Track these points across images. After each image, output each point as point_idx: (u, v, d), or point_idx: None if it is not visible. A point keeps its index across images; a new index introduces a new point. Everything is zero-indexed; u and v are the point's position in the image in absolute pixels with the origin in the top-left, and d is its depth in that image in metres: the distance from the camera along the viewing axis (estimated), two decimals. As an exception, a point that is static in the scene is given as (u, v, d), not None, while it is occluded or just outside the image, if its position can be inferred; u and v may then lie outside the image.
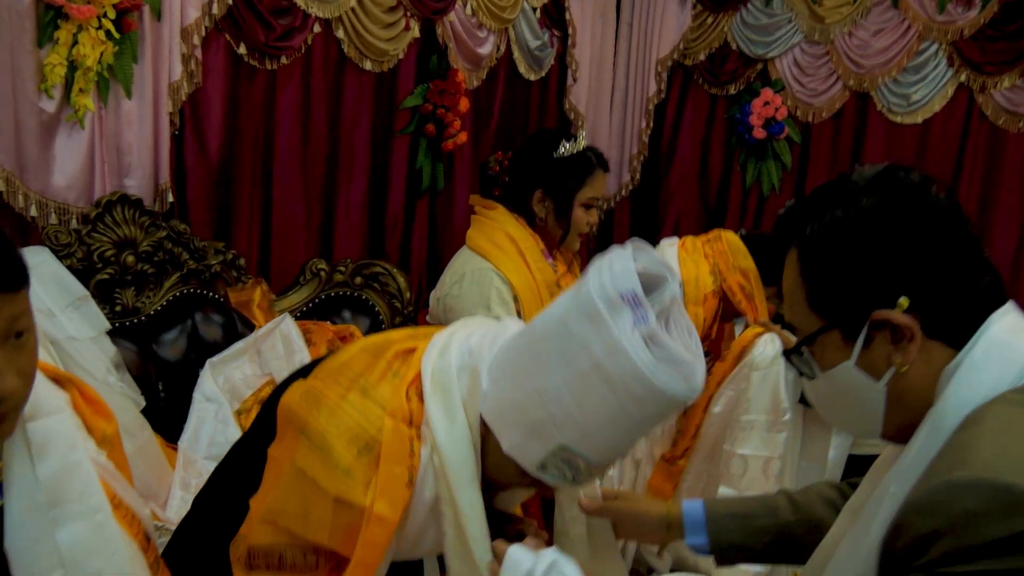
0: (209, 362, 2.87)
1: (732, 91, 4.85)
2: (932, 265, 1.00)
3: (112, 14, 2.63)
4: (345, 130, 3.62)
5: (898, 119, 4.54)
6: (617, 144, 4.95)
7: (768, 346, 2.70)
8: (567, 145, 2.31)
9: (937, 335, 1.01)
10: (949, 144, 4.48)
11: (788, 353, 1.14)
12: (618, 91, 4.92)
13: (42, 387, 1.11)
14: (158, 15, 2.80)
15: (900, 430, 1.06)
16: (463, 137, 4.02)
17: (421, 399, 1.25)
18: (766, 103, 4.68)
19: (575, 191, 2.31)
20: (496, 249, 2.28)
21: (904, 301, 1.00)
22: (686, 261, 2.83)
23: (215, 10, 2.95)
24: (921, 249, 1.00)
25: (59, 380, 1.18)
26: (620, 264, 1.13)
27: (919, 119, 4.50)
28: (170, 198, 2.96)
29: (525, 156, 2.42)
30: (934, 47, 4.39)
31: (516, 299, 2.19)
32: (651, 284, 1.16)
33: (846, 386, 1.07)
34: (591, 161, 2.33)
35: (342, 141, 3.63)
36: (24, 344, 1.02)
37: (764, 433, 2.63)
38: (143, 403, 2.64)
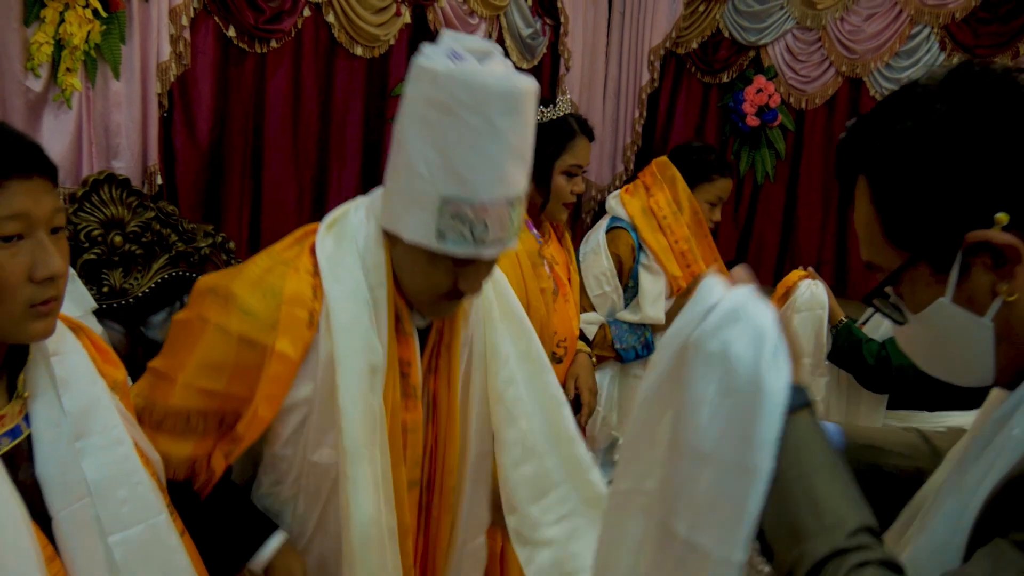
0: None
1: (725, 79, 4.85)
2: None
3: (99, -8, 2.62)
4: (336, 115, 3.61)
5: (891, 104, 4.52)
6: (611, 134, 4.94)
7: (811, 288, 2.71)
8: (545, 111, 2.26)
9: None
10: (943, 128, 4.46)
11: (870, 297, 0.97)
12: (611, 80, 4.91)
13: (60, 328, 1.17)
14: (145, -5, 2.80)
15: (1018, 371, 0.90)
16: (455, 124, 4.01)
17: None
18: (759, 90, 4.67)
19: (554, 158, 2.25)
20: None
21: (1003, 216, 0.84)
22: (630, 202, 2.91)
23: (203, -9, 2.94)
24: (1015, 152, 0.83)
25: (71, 327, 1.23)
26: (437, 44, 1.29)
27: (912, 104, 4.48)
28: (159, 180, 2.95)
29: None
30: (926, 31, 4.38)
31: None
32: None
33: (945, 328, 0.91)
34: (572, 127, 2.27)
35: (333, 126, 3.61)
36: (60, 240, 1.10)
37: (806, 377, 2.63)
38: (130, 384, 2.62)
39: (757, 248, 4.95)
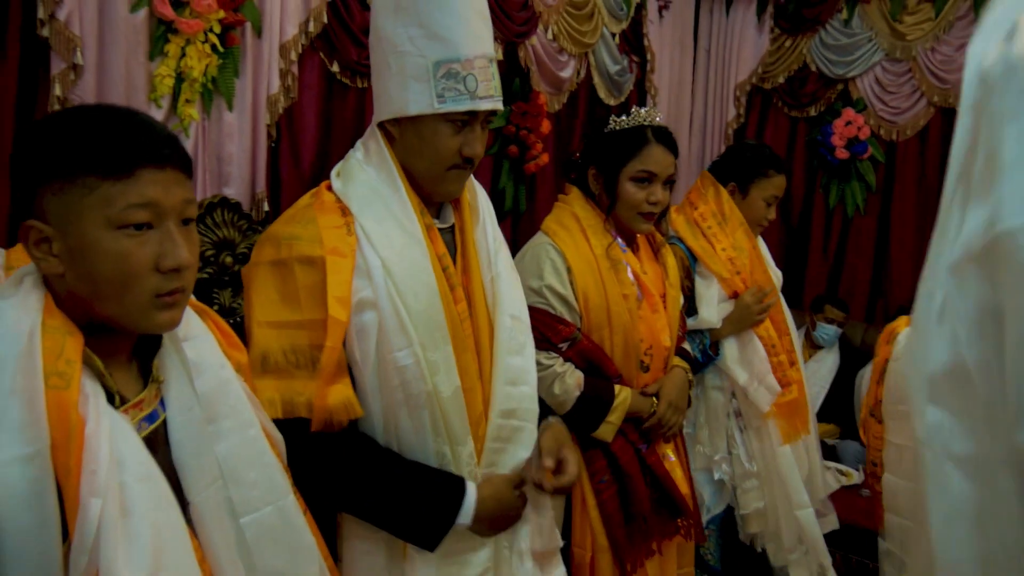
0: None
1: (812, 112, 4.84)
2: None
3: (217, 28, 2.80)
4: (430, 148, 3.73)
5: (987, 134, 4.44)
6: (696, 168, 4.97)
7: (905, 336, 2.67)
8: (618, 119, 2.29)
9: None
10: (1042, 157, 4.35)
11: None
12: (697, 116, 4.96)
13: (188, 312, 1.18)
14: (259, 32, 2.97)
15: None
16: (545, 159, 4.10)
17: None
18: (848, 123, 4.65)
19: (622, 164, 2.24)
20: (559, 227, 2.28)
21: None
22: (676, 218, 2.89)
23: (311, 28, 3.11)
24: None
25: (197, 310, 1.25)
26: None
27: (1009, 133, 4.39)
28: (266, 207, 3.10)
29: (586, 136, 2.46)
30: (1022, 59, 4.31)
31: (569, 270, 2.16)
32: None
33: None
34: (645, 135, 2.25)
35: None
36: (191, 232, 1.10)
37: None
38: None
39: (849, 282, 4.87)
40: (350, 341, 1.48)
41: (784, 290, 2.98)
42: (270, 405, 1.41)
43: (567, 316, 2.16)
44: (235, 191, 2.99)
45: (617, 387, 2.19)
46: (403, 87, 1.49)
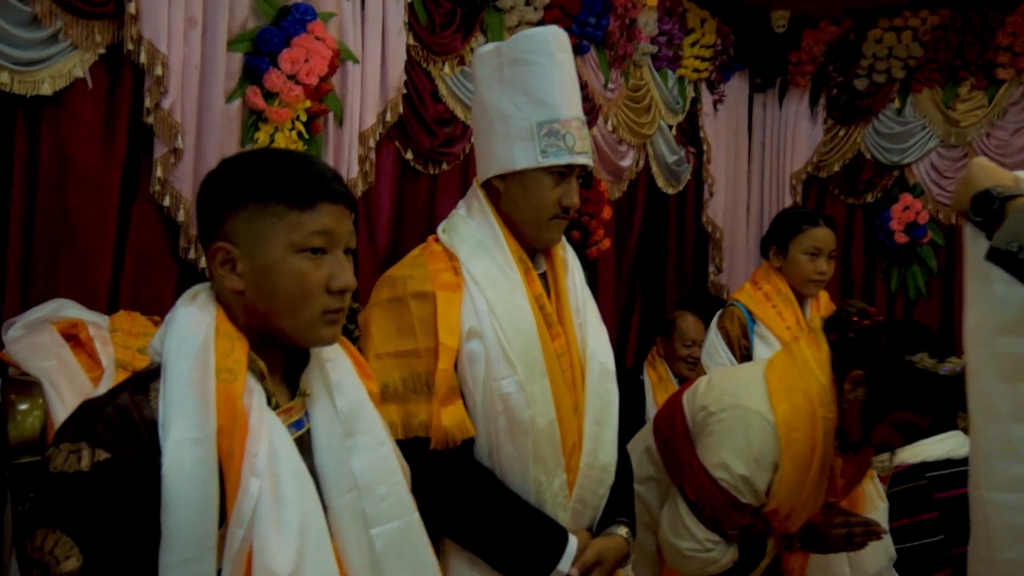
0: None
1: (869, 199, 4.92)
2: None
3: (304, 117, 3.01)
4: (497, 233, 3.88)
5: (1047, 215, 4.46)
6: (755, 257, 5.03)
7: None
8: (928, 360, 1.84)
9: None
10: (1106, 236, 4.34)
11: None
12: (754, 204, 5.07)
13: None
14: (340, 121, 3.18)
15: None
16: (607, 243, 4.22)
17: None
18: (906, 208, 4.71)
19: (895, 407, 1.89)
20: (789, 404, 1.97)
21: None
22: (741, 292, 2.96)
23: (388, 118, 3.31)
24: None
25: (340, 341, 1.37)
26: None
27: (1070, 214, 4.40)
28: (344, 285, 3.24)
29: (891, 356, 1.93)
30: (1076, 141, 4.38)
31: (777, 467, 1.96)
32: None
33: None
34: (939, 392, 1.84)
35: (494, 243, 3.88)
36: (350, 260, 1.24)
37: None
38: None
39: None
40: (461, 367, 1.62)
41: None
42: (390, 428, 1.51)
43: (751, 500, 1.94)
44: (315, 269, 3.15)
45: (770, 542, 2.08)
46: (509, 145, 1.69)
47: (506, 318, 1.64)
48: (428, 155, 3.52)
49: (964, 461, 2.87)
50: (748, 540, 2.04)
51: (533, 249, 1.78)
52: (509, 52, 1.71)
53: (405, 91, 3.35)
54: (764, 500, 1.94)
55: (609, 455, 1.75)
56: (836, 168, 4.98)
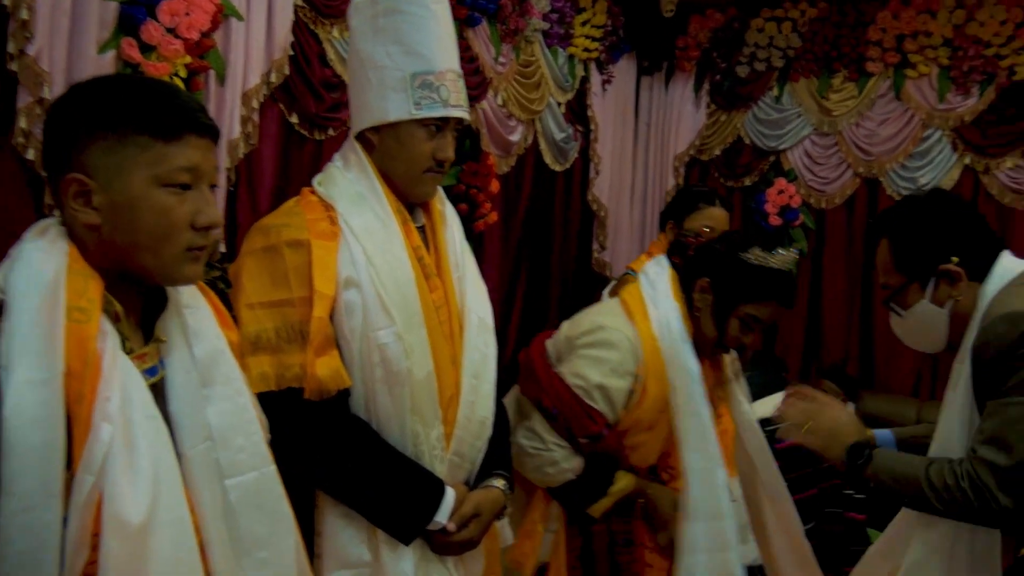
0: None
1: (747, 183, 5.11)
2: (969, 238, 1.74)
3: (183, 73, 2.89)
4: (384, 203, 3.84)
5: (908, 203, 4.74)
6: (638, 236, 5.16)
7: None
8: (761, 255, 2.05)
9: (976, 277, 1.71)
10: (959, 224, 4.65)
11: (886, 302, 1.81)
12: (638, 184, 5.18)
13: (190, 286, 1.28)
14: (222, 79, 3.07)
15: (957, 340, 1.74)
16: (494, 217, 4.24)
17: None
18: (780, 191, 4.91)
19: (740, 301, 2.05)
20: (643, 317, 2.13)
21: (955, 259, 1.71)
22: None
23: (273, 79, 3.22)
24: (956, 229, 1.75)
25: (199, 287, 1.32)
26: None
27: (928, 202, 4.69)
28: (222, 247, 3.14)
29: (715, 244, 2.22)
30: (937, 133, 4.64)
31: (637, 378, 2.08)
32: None
33: (923, 316, 1.76)
34: (776, 287, 2.05)
35: (381, 213, 3.83)
36: (215, 196, 1.20)
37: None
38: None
39: (784, 345, 5.06)
40: (338, 316, 1.60)
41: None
42: (262, 379, 1.54)
43: (604, 409, 2.04)
44: (192, 231, 3.04)
45: (619, 474, 2.13)
46: (383, 97, 1.67)
47: (384, 268, 1.63)
48: (314, 119, 3.45)
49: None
50: (597, 463, 2.08)
51: (411, 203, 1.78)
52: (384, 1, 1.69)
53: (292, 52, 3.27)
54: (619, 416, 2.05)
55: (487, 409, 1.77)
56: (717, 152, 5.15)
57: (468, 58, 4.01)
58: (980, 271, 1.71)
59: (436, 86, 1.66)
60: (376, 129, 1.70)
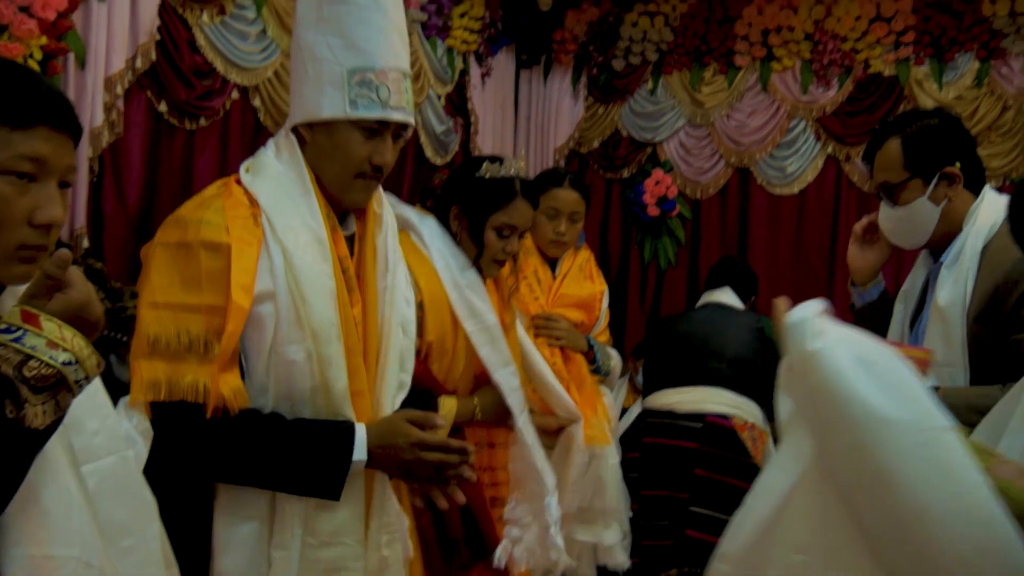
0: (122, 401, 2.82)
1: (626, 174, 5.21)
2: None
3: (39, 55, 2.73)
4: (261, 195, 3.73)
5: (777, 191, 4.93)
6: (521, 227, 5.19)
7: None
8: (491, 167, 2.27)
9: (968, 187, 1.97)
10: (824, 210, 4.86)
11: (885, 195, 2.05)
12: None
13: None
14: (82, 64, 2.92)
15: (939, 240, 1.99)
16: (375, 210, 4.17)
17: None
18: (657, 182, 5.03)
19: (489, 213, 2.25)
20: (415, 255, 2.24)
21: (957, 164, 1.96)
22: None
23: (139, 64, 3.08)
24: (959, 140, 2.01)
25: None
26: None
27: (795, 189, 4.89)
28: (85, 243, 2.98)
29: (452, 174, 2.52)
30: (802, 123, 4.85)
31: (421, 305, 2.13)
32: None
33: (917, 211, 1.98)
34: (513, 188, 2.26)
35: (258, 205, 3.73)
36: (64, 196, 1.12)
37: None
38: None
39: (665, 331, 5.18)
40: (246, 330, 1.49)
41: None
42: (152, 386, 1.43)
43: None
44: (53, 224, 2.87)
45: (442, 398, 2.17)
46: (318, 92, 1.55)
47: (304, 277, 1.51)
48: (184, 108, 3.32)
49: (681, 416, 3.14)
50: (417, 397, 2.03)
51: (343, 209, 1.66)
52: None
53: (159, 37, 3.14)
54: (418, 345, 2.05)
55: None
56: (596, 144, 5.22)
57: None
58: (973, 183, 1.97)
59: (375, 85, 1.54)
60: (310, 126, 1.59)
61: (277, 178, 1.57)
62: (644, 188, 5.06)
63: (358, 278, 1.65)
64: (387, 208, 1.75)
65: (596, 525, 2.85)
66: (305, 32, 1.60)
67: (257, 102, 3.62)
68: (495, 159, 2.31)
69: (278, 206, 1.54)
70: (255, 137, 3.69)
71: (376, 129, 1.57)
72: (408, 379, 1.75)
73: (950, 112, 2.16)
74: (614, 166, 5.22)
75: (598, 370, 2.93)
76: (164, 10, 3.17)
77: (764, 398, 3.06)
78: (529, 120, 5.22)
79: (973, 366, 1.89)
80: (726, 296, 3.53)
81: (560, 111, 5.17)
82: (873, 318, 2.17)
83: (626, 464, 3.05)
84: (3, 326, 0.99)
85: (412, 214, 2.31)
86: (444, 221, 2.31)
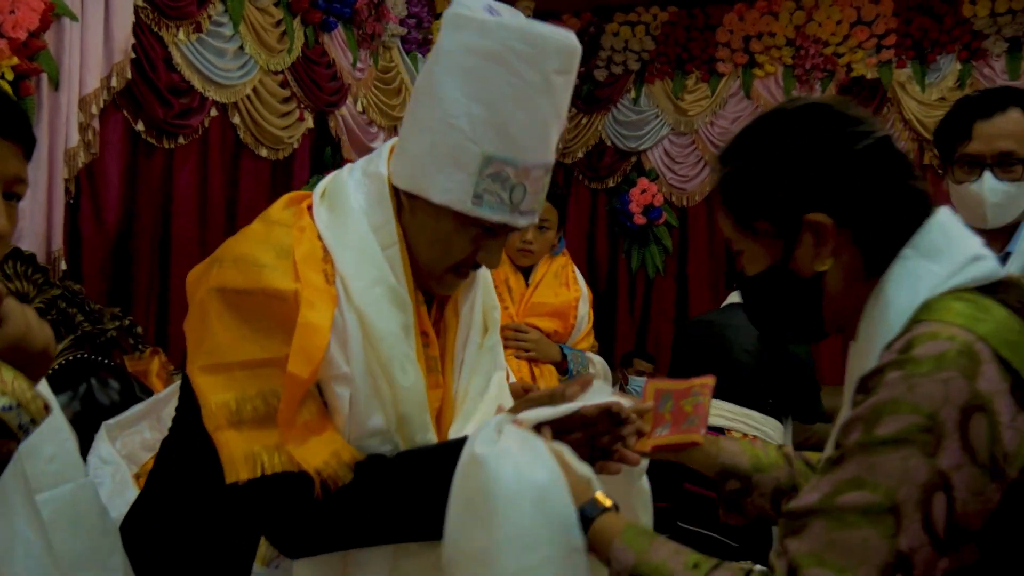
0: (104, 425, 2.77)
1: (611, 184, 5.20)
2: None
3: (10, 75, 2.69)
4: (242, 213, 3.69)
5: (763, 196, 4.92)
6: (508, 240, 5.16)
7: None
8: None
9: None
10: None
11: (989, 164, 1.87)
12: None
13: None
14: (56, 84, 2.87)
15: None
16: (358, 226, 4.14)
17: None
18: (643, 191, 5.02)
19: None
20: None
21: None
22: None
23: (114, 83, 3.04)
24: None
25: None
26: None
27: (781, 195, 4.89)
28: (63, 265, 2.93)
29: None
30: (786, 129, 4.86)
31: None
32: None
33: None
34: None
35: (239, 224, 3.67)
36: (12, 208, 1.06)
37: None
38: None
39: (655, 340, 5.15)
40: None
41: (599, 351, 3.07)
42: (248, 461, 1.14)
43: None
44: (28, 246, 2.82)
45: None
46: (438, 165, 1.21)
47: (385, 359, 1.21)
48: (162, 126, 3.28)
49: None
50: None
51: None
52: (495, 36, 1.18)
53: (134, 55, 3.09)
54: None
55: None
56: (580, 154, 5.22)
57: (325, 63, 3.92)
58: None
59: (512, 184, 1.19)
60: (413, 195, 1.26)
61: (362, 237, 1.25)
62: (630, 197, 5.05)
63: (440, 357, 1.36)
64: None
65: None
66: (443, 77, 1.21)
67: (236, 119, 3.59)
68: None
69: (356, 266, 1.23)
70: (235, 155, 3.66)
71: (492, 229, 1.25)
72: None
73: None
74: (599, 176, 5.21)
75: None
76: (139, 28, 3.13)
77: (776, 406, 2.96)
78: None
79: None
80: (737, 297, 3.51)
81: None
82: None
83: None
84: None
85: None
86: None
